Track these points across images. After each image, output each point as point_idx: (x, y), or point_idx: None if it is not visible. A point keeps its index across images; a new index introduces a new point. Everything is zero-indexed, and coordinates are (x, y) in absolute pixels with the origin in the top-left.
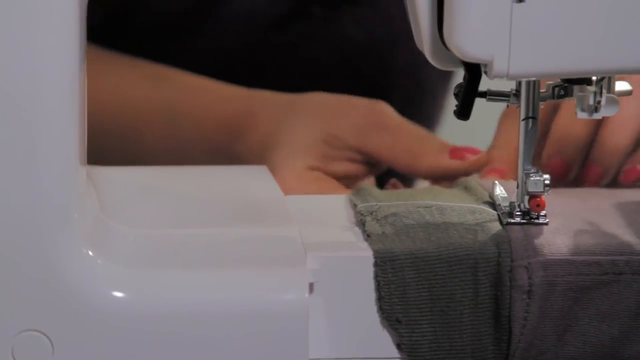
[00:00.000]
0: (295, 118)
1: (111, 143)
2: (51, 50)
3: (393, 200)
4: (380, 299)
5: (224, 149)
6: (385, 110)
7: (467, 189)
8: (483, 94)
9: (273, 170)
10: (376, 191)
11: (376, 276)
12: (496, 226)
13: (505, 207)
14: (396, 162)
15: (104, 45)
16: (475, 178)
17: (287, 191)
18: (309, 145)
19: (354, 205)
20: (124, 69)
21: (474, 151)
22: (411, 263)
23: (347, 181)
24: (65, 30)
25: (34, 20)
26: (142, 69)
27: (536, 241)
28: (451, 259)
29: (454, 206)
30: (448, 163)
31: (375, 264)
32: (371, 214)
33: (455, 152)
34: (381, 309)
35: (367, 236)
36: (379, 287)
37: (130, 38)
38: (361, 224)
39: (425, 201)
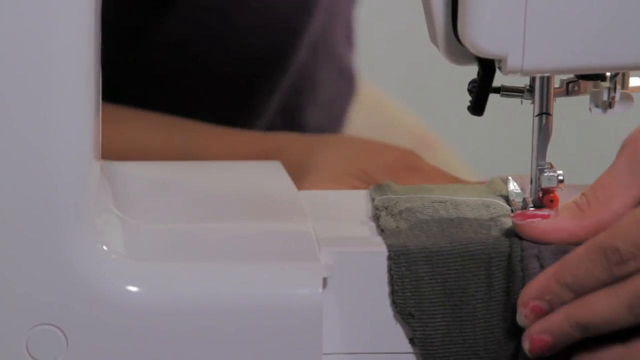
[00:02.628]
0: (327, 151)
1: None
2: (66, 44)
3: (411, 195)
4: (393, 293)
5: None
6: (416, 155)
7: (489, 183)
8: (497, 90)
9: None
10: (397, 187)
11: (389, 270)
12: (510, 221)
13: (518, 202)
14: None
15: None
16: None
17: None
18: (338, 176)
19: (372, 200)
20: (134, 120)
21: None
22: (425, 257)
23: None
24: (80, 24)
25: (49, 16)
26: (152, 118)
27: None
28: (465, 253)
29: (469, 201)
30: None
31: (389, 258)
32: (386, 208)
33: None
34: (394, 303)
35: (381, 231)
36: (392, 281)
37: (134, 89)
38: (376, 218)
39: (440, 196)
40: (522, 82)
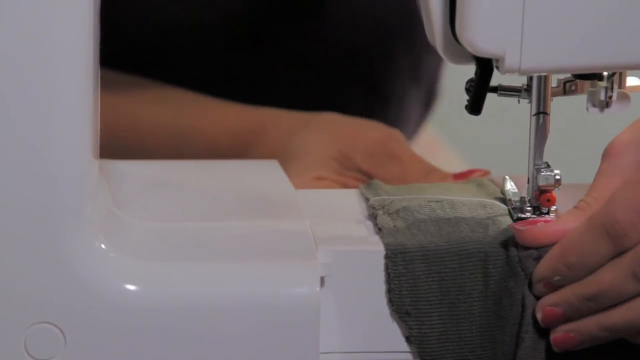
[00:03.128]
0: (308, 133)
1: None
2: (65, 44)
3: (404, 194)
4: (390, 291)
5: (233, 159)
6: (398, 139)
7: (479, 185)
8: (494, 89)
9: None
10: (387, 186)
11: (386, 268)
12: (507, 220)
13: (515, 202)
14: None
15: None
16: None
17: None
18: (320, 159)
19: (366, 199)
20: (127, 88)
21: (476, 171)
22: (422, 256)
23: None
24: (79, 25)
25: (48, 16)
26: (147, 88)
27: None
28: (461, 252)
29: (465, 200)
30: None
31: (386, 257)
32: (383, 207)
33: (459, 177)
34: (391, 301)
35: (379, 230)
36: (389, 280)
37: (130, 59)
38: (373, 217)
39: (436, 195)
40: (520, 81)
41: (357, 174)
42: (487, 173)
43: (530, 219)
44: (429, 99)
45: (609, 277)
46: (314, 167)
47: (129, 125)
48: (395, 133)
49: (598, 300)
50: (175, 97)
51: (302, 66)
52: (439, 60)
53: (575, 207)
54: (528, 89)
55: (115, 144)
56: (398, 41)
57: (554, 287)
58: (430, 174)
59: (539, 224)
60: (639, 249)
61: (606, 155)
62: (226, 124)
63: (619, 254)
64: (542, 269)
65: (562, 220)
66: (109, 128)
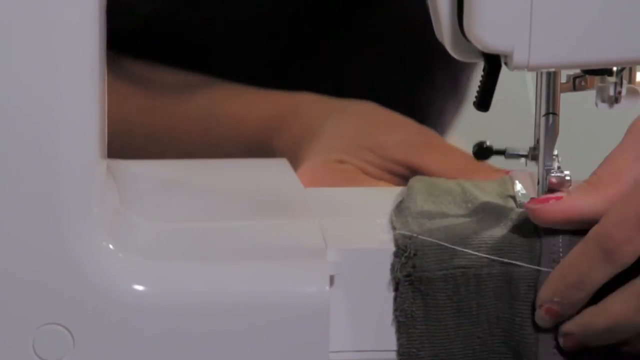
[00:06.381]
0: (343, 117)
1: (142, 141)
2: (71, 43)
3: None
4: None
5: (263, 143)
6: (436, 135)
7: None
8: (502, 152)
9: (304, 159)
10: (419, 200)
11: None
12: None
13: (525, 202)
14: (446, 177)
15: (126, 53)
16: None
17: (312, 180)
18: (350, 146)
19: (393, 228)
20: (152, 74)
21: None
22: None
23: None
24: (86, 22)
25: (54, 13)
26: (176, 75)
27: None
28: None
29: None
30: None
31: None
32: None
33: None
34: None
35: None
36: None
37: (155, 47)
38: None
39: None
40: (527, 143)
41: (391, 164)
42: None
43: (541, 197)
44: (459, 106)
45: (620, 308)
46: (341, 151)
47: (160, 112)
48: (432, 130)
49: (613, 332)
50: (207, 83)
51: (339, 82)
52: (473, 69)
53: (586, 181)
54: (535, 154)
55: (146, 131)
56: (437, 55)
57: (554, 315)
58: (476, 161)
59: (550, 201)
60: None
61: (631, 129)
62: (257, 107)
63: (620, 267)
64: (543, 291)
65: (572, 196)
66: (140, 114)
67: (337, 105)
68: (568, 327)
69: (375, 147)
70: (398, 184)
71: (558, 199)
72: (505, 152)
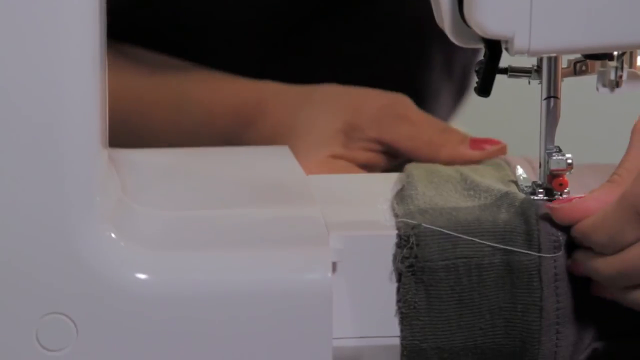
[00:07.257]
0: (312, 108)
1: (114, 128)
2: (72, 31)
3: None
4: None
5: (234, 137)
6: (405, 102)
7: (497, 167)
8: (504, 71)
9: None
10: (420, 187)
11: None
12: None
13: (527, 187)
14: (416, 152)
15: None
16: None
17: None
18: (330, 135)
19: (395, 215)
20: (124, 59)
21: (493, 142)
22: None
23: (369, 170)
24: (86, 12)
25: (55, 4)
26: (148, 59)
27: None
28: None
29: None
30: (468, 154)
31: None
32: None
33: (475, 143)
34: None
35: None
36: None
37: (134, 32)
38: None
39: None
40: (530, 62)
41: (367, 142)
42: (502, 147)
43: (564, 197)
44: (460, 93)
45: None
46: (327, 144)
47: (126, 92)
48: (400, 96)
49: (624, 278)
50: (177, 66)
51: (337, 64)
52: (470, 55)
53: (608, 180)
54: (538, 69)
55: (117, 116)
56: (431, 38)
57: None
58: (445, 132)
59: (573, 200)
60: None
61: (636, 129)
62: (223, 95)
63: None
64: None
65: (596, 195)
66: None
67: (303, 93)
68: (584, 262)
69: (349, 128)
70: (385, 162)
71: (580, 198)
72: (507, 70)
